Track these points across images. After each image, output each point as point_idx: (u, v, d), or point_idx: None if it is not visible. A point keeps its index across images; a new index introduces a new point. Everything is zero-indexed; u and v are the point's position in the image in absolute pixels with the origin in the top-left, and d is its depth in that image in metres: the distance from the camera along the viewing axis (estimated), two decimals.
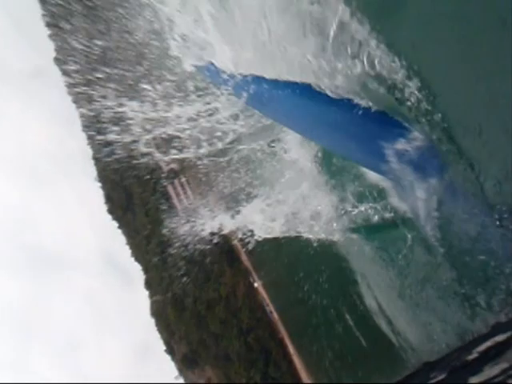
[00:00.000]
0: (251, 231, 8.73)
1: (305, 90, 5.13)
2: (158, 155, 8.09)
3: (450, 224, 4.62)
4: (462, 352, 2.00)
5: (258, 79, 5.53)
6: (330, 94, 4.85)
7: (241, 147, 7.80)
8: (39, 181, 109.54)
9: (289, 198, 7.90)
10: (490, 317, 4.14)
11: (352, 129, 4.93)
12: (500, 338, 2.05)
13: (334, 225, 7.38)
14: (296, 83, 5.23)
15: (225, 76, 5.86)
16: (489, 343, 2.04)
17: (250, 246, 9.19)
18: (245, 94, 5.66)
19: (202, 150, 6.91)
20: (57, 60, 47.49)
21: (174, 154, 7.37)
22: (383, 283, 7.95)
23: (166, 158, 7.88)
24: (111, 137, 7.35)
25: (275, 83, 5.42)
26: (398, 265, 6.78)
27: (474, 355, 1.96)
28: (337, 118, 4.97)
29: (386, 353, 9.13)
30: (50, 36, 47.98)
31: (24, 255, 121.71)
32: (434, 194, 4.47)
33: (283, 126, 6.68)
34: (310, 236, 8.11)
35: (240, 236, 9.31)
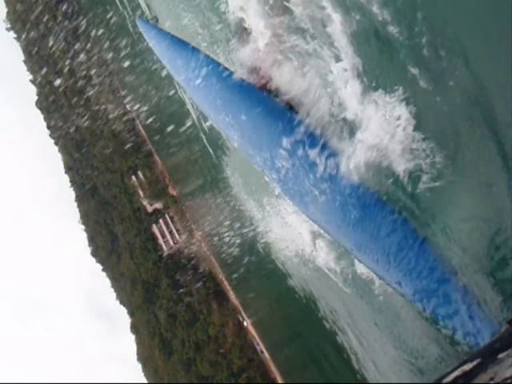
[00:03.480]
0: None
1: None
2: None
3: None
4: None
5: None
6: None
7: None
8: (21, 223, 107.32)
9: None
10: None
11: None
12: (467, 366, 2.12)
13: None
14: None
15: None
16: (457, 373, 2.10)
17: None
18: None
19: None
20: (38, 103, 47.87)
21: None
22: (366, 322, 7.92)
23: None
24: None
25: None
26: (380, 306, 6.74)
27: None
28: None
29: None
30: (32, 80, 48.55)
31: (5, 302, 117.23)
32: None
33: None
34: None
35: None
